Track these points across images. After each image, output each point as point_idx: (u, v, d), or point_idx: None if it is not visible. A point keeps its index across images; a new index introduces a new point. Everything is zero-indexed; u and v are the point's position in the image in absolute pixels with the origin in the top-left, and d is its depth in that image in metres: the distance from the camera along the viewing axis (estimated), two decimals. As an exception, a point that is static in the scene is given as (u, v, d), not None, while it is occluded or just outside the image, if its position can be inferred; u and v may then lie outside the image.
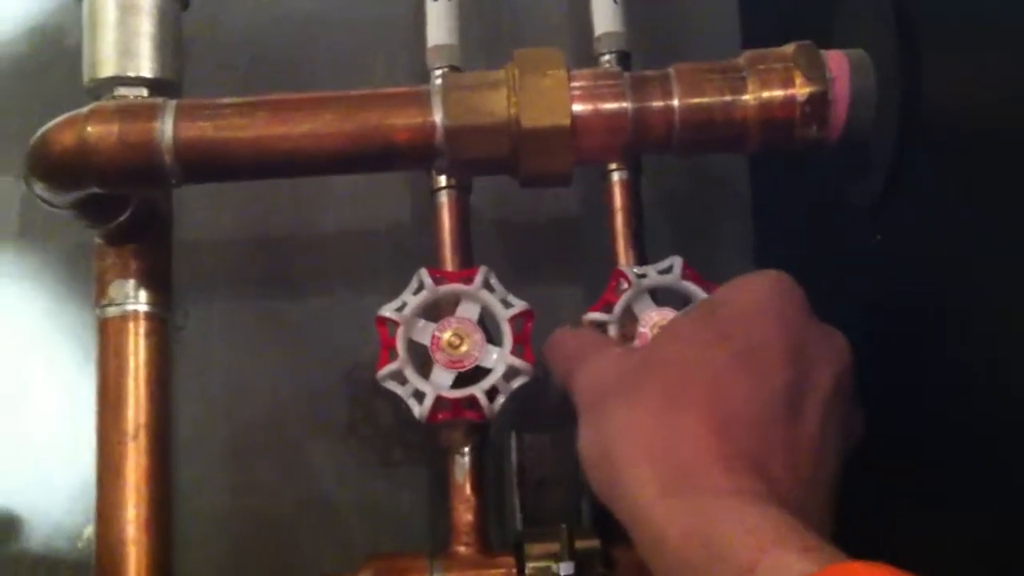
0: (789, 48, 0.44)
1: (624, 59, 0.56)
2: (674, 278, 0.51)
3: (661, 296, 0.52)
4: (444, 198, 0.55)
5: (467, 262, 0.54)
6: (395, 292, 0.51)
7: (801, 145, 0.45)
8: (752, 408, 0.38)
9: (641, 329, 0.50)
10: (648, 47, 0.59)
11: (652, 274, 0.51)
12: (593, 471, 0.40)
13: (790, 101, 0.44)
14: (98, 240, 0.50)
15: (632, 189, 0.56)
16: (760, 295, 0.41)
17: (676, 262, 0.51)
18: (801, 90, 0.43)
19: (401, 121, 0.43)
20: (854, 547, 0.32)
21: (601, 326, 0.50)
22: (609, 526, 0.50)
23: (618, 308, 0.51)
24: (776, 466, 0.37)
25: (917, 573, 0.29)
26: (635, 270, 0.52)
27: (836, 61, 0.44)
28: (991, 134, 0.37)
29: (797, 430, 0.38)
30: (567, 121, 0.43)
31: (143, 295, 0.49)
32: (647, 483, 0.37)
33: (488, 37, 0.63)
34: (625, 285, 0.51)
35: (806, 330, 0.40)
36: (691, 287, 0.51)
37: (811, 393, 0.39)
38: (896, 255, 0.44)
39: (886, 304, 0.46)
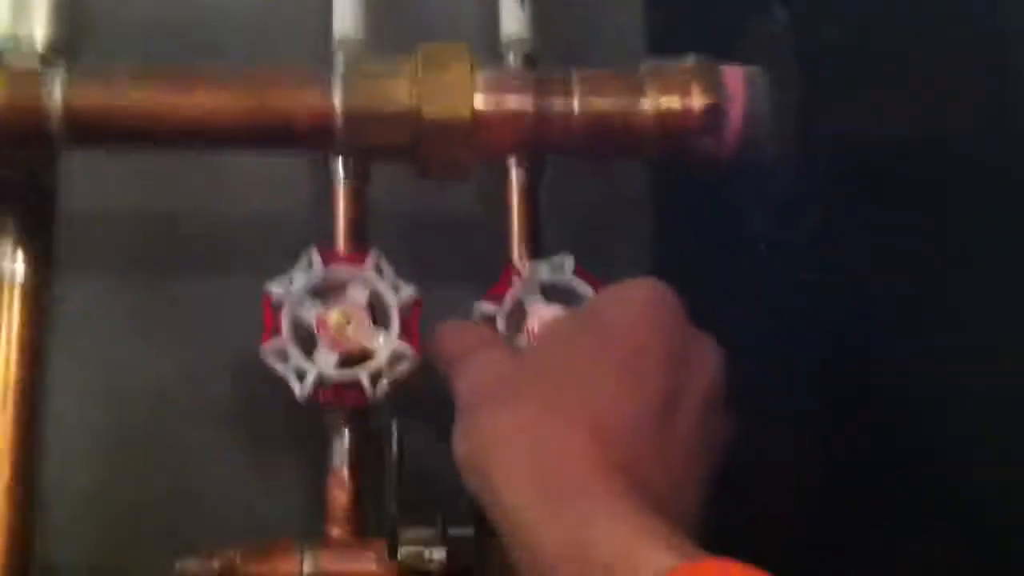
0: (689, 61, 0.45)
1: (530, 63, 0.56)
2: (565, 276, 0.52)
3: (552, 294, 0.53)
4: (341, 183, 0.54)
5: (360, 248, 0.54)
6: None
7: (698, 156, 0.46)
8: (628, 416, 0.39)
9: (530, 321, 0.51)
10: (555, 53, 0.59)
11: (544, 270, 0.52)
12: (468, 476, 0.41)
13: (687, 111, 0.45)
14: (-23, 197, 0.48)
15: (531, 188, 0.56)
16: (639, 304, 0.42)
17: (568, 260, 0.52)
18: (697, 101, 0.45)
19: (300, 101, 0.43)
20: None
21: (490, 318, 0.51)
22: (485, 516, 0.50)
23: (508, 301, 0.51)
24: (647, 471, 0.38)
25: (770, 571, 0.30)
26: (528, 265, 0.52)
27: (733, 76, 0.45)
28: (887, 164, 0.39)
29: (670, 435, 0.39)
30: (468, 114, 0.43)
31: (20, 259, 0.47)
32: (519, 492, 0.37)
33: (395, 35, 0.63)
34: (517, 279, 0.52)
35: (682, 338, 0.41)
36: (582, 286, 0.51)
37: (685, 399, 0.40)
38: (794, 266, 0.46)
39: (782, 311, 0.47)
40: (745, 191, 0.48)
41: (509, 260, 0.55)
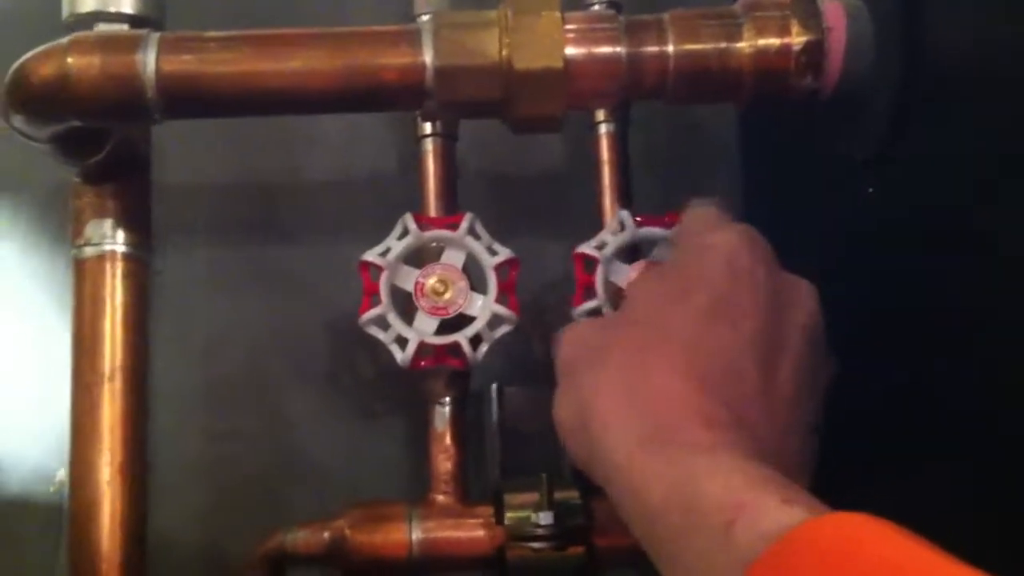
0: (786, -5, 0.44)
1: (615, 7, 0.55)
2: (629, 233, 0.50)
3: (643, 248, 0.51)
4: (430, 145, 0.54)
5: (452, 210, 0.53)
6: (379, 240, 0.50)
7: (796, 95, 0.44)
8: (724, 359, 0.38)
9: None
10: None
11: (609, 240, 0.50)
12: (570, 437, 0.40)
13: (786, 50, 0.43)
14: (75, 179, 0.48)
15: (620, 141, 0.56)
16: (727, 250, 0.41)
17: (625, 216, 0.50)
18: (797, 39, 0.43)
19: (390, 60, 0.42)
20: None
21: (596, 312, 0.49)
22: (588, 478, 0.50)
23: (599, 288, 0.49)
24: (751, 417, 0.37)
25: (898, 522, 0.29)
26: (592, 244, 0.50)
27: (833, 10, 0.43)
28: (994, 84, 0.37)
29: (770, 381, 0.38)
30: (560, 64, 0.42)
31: (121, 235, 0.47)
32: (623, 441, 0.37)
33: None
34: (593, 263, 0.50)
35: (772, 281, 0.40)
36: (654, 231, 0.50)
37: (782, 344, 0.39)
38: (891, 210, 0.44)
39: (877, 261, 0.46)
40: (843, 126, 0.47)
41: (601, 217, 0.54)
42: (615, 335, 0.41)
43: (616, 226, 0.50)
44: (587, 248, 0.49)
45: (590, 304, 0.48)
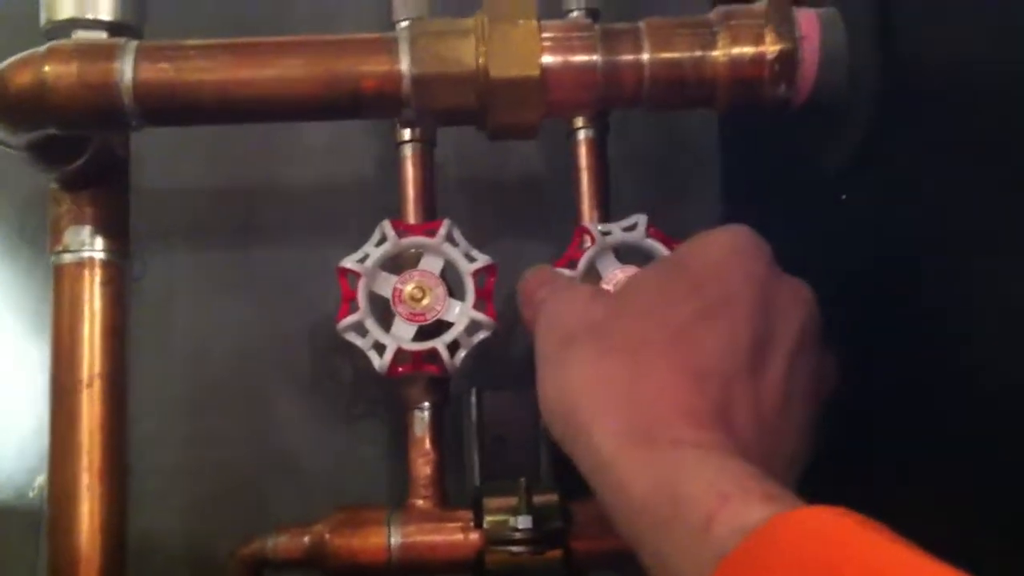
0: (760, 5, 0.44)
1: (593, 16, 0.56)
2: (639, 236, 0.51)
3: (625, 255, 0.52)
4: (408, 151, 0.54)
5: (431, 216, 0.53)
6: (360, 245, 0.50)
7: (770, 103, 0.45)
8: (718, 361, 0.38)
9: (604, 287, 0.50)
10: (618, 4, 0.58)
11: (616, 231, 0.51)
12: (554, 421, 0.40)
13: (760, 59, 0.43)
14: (53, 186, 0.48)
15: (598, 147, 0.56)
16: (726, 249, 0.41)
17: (641, 220, 0.51)
18: (771, 48, 0.43)
19: (368, 68, 0.42)
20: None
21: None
22: (567, 482, 0.50)
23: (582, 264, 0.50)
24: (741, 418, 0.37)
25: (874, 518, 0.29)
26: (599, 227, 0.52)
27: (807, 19, 0.44)
28: (968, 91, 0.37)
29: (762, 381, 0.38)
30: (536, 72, 0.43)
31: (99, 242, 0.47)
32: (610, 435, 0.37)
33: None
34: (589, 242, 0.51)
35: (771, 282, 0.40)
36: (655, 245, 0.51)
37: (777, 345, 0.39)
38: (866, 217, 0.45)
39: (854, 267, 0.46)
40: (818, 134, 0.47)
41: (580, 222, 0.54)
42: (614, 322, 0.40)
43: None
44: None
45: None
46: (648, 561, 0.35)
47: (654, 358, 0.38)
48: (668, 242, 0.51)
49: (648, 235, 0.51)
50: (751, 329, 0.39)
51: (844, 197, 0.46)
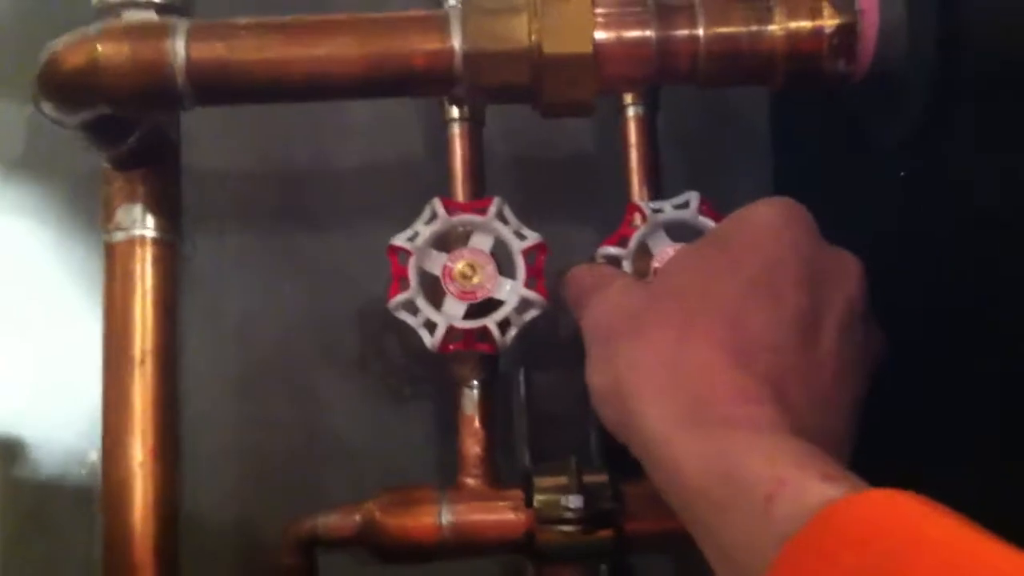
0: (818, -22, 0.43)
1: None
2: (691, 213, 0.50)
3: (676, 233, 0.52)
4: (457, 129, 0.54)
5: (479, 194, 0.53)
6: (407, 224, 0.50)
7: (828, 79, 0.44)
8: (766, 335, 0.37)
9: (655, 265, 0.50)
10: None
11: (668, 209, 0.51)
12: (604, 407, 0.40)
13: (817, 33, 0.43)
14: (105, 165, 0.48)
15: (648, 124, 0.55)
16: (770, 222, 0.40)
17: (693, 197, 0.51)
18: (829, 21, 0.43)
19: (419, 46, 0.42)
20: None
21: (615, 261, 0.50)
22: (618, 460, 0.50)
23: (632, 243, 0.50)
24: (792, 392, 0.36)
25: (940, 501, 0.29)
26: (651, 205, 0.51)
27: (866, -8, 0.43)
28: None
29: (813, 355, 0.38)
30: (590, 49, 0.42)
31: (151, 220, 0.48)
32: (661, 417, 0.36)
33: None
34: (640, 220, 0.51)
35: (818, 255, 0.40)
36: (708, 222, 0.50)
37: (826, 317, 0.38)
38: (924, 193, 0.44)
39: (908, 245, 0.45)
40: (875, 109, 0.46)
41: (630, 199, 0.54)
42: (654, 306, 0.40)
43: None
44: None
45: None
46: (706, 544, 0.34)
47: (697, 337, 0.37)
48: (721, 219, 0.51)
49: (701, 212, 0.50)
50: (797, 302, 0.38)
51: (903, 174, 0.45)
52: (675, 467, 0.35)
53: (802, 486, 0.31)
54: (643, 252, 0.50)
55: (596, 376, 0.40)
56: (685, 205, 0.51)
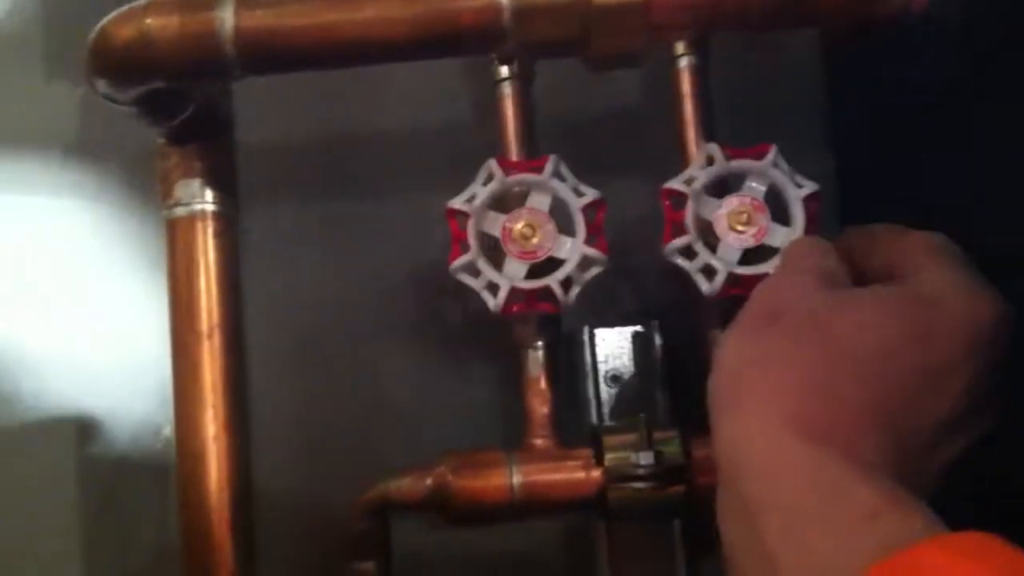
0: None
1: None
2: (720, 167, 0.49)
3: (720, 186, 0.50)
4: (507, 88, 0.53)
5: (533, 153, 0.52)
6: (456, 189, 0.49)
7: (883, 17, 0.43)
8: (913, 421, 0.36)
9: (719, 212, 0.48)
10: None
11: (698, 174, 0.48)
12: (719, 384, 0.39)
13: (875, -35, 0.42)
14: (160, 140, 0.49)
15: (701, 74, 0.54)
16: (977, 319, 0.38)
17: (713, 149, 0.49)
18: (887, -46, 0.41)
19: (466, 3, 0.42)
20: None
21: (680, 196, 0.48)
22: (686, 418, 0.49)
23: (689, 224, 0.48)
24: (905, 460, 0.36)
25: None
26: (681, 179, 0.48)
27: (925, -80, 0.42)
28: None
29: (943, 451, 0.37)
30: (640, -5, 0.41)
31: (209, 194, 0.48)
32: (772, 419, 0.36)
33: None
34: (705, 163, 0.49)
35: (995, 363, 0.38)
36: (745, 164, 0.48)
37: (968, 421, 0.38)
38: (1001, 142, 0.42)
39: (978, 204, 0.44)
40: (936, 46, 0.45)
41: (684, 151, 0.53)
42: (824, 322, 0.39)
43: (704, 160, 0.49)
44: (675, 184, 0.48)
45: (681, 241, 0.47)
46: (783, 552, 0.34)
47: (849, 372, 0.37)
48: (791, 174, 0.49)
49: (733, 157, 0.49)
50: (954, 406, 0.37)
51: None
52: (774, 470, 0.35)
53: (910, 515, 0.32)
54: (701, 223, 0.49)
55: (730, 347, 0.40)
56: (709, 161, 0.49)
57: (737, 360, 0.39)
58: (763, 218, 0.47)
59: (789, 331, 0.39)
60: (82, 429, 0.59)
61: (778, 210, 0.48)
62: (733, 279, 0.46)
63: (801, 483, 0.34)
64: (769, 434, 0.35)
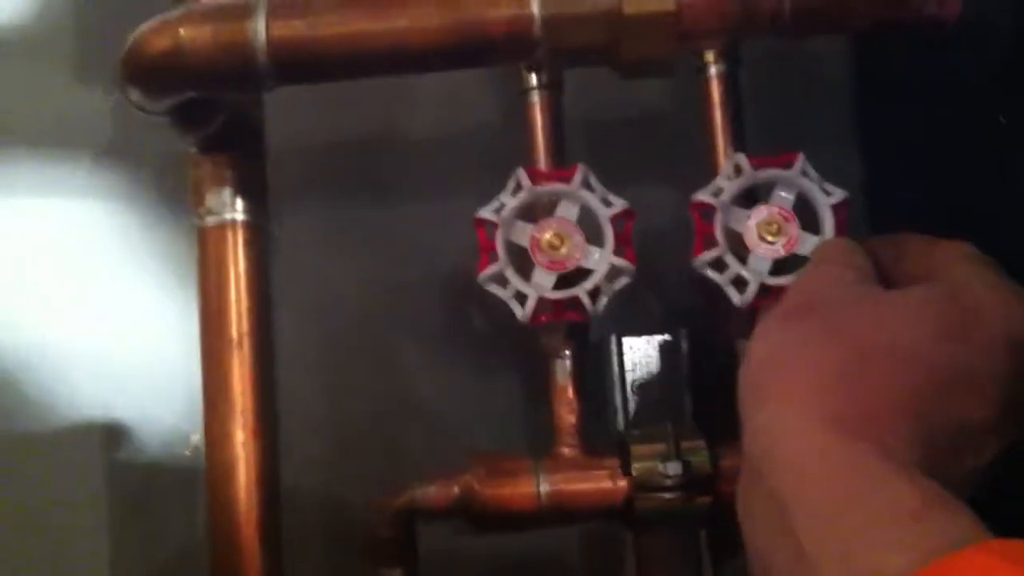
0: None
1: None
2: (748, 177, 0.48)
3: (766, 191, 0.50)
4: (535, 97, 0.53)
5: (561, 163, 0.52)
6: (484, 196, 0.49)
7: (915, 23, 0.43)
8: (945, 423, 0.36)
9: (749, 223, 0.48)
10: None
11: (725, 185, 0.48)
12: (750, 377, 0.39)
13: (909, -27, 0.41)
14: (192, 149, 0.49)
15: (731, 81, 0.54)
16: (1015, 324, 0.38)
17: (740, 159, 0.49)
18: (920, -38, 0.41)
19: (498, 12, 0.42)
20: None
21: (708, 208, 0.48)
22: (711, 428, 0.49)
23: (719, 236, 0.48)
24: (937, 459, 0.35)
25: None
26: (708, 192, 0.48)
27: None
28: None
29: (973, 457, 0.37)
30: (672, 6, 0.41)
31: (240, 203, 0.48)
32: (818, 411, 0.35)
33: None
34: (734, 173, 0.49)
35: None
36: (773, 173, 0.48)
37: (999, 428, 0.37)
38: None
39: (1010, 193, 0.44)
40: (968, 55, 0.45)
41: (714, 159, 0.52)
42: (859, 319, 0.39)
43: (732, 171, 0.49)
44: (703, 196, 0.48)
45: (711, 254, 0.47)
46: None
47: (884, 370, 0.36)
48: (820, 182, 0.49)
49: (760, 166, 0.48)
50: (991, 413, 0.37)
51: (1003, 120, 0.43)
52: (814, 469, 0.34)
53: (955, 517, 0.31)
54: (731, 235, 0.49)
55: (763, 341, 0.40)
56: (737, 172, 0.49)
57: (771, 352, 0.39)
58: (793, 228, 0.47)
59: (824, 325, 0.38)
60: (111, 435, 0.59)
61: (807, 218, 0.48)
62: (764, 289, 0.46)
63: (839, 479, 0.33)
64: (804, 426, 0.35)
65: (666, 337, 0.53)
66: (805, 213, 0.48)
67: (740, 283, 0.47)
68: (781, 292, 0.45)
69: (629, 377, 0.53)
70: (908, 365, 0.36)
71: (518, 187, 0.49)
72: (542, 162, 0.52)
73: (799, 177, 0.48)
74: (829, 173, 0.48)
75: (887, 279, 0.42)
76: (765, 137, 0.55)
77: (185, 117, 0.46)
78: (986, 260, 0.41)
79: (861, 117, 0.60)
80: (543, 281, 0.48)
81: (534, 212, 0.50)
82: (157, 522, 0.59)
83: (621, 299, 0.49)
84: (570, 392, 0.50)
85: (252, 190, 0.48)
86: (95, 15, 0.62)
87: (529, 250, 0.48)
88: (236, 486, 0.46)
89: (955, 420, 0.36)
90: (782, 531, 0.34)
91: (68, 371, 0.60)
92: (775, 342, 0.39)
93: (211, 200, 0.48)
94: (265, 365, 0.48)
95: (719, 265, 0.47)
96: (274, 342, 0.49)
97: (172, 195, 0.58)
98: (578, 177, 0.49)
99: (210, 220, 0.48)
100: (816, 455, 0.34)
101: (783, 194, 0.48)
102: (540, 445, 0.51)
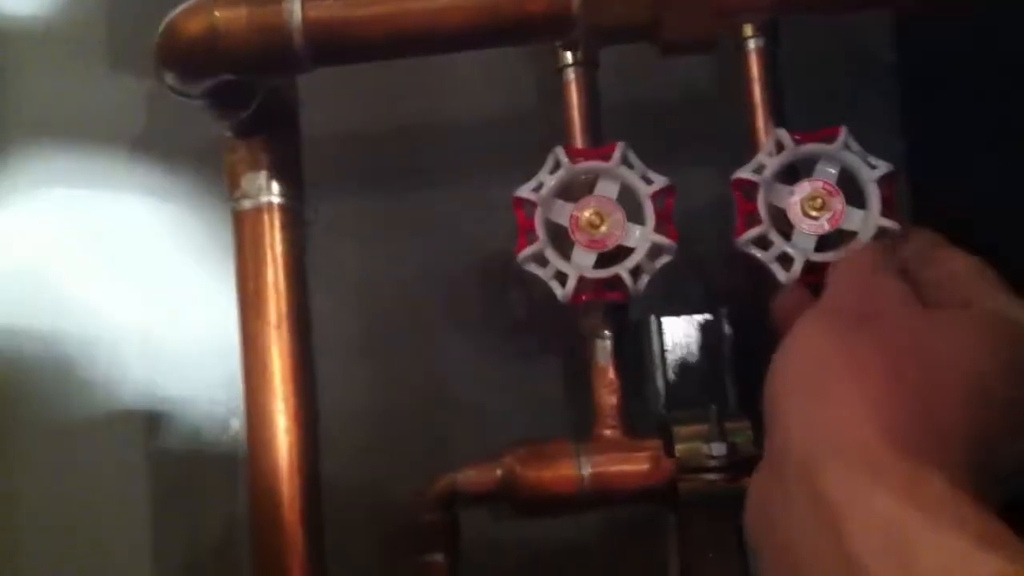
0: None
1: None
2: (790, 153, 0.47)
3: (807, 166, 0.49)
4: (572, 75, 0.52)
5: (599, 141, 0.52)
6: (522, 178, 0.49)
7: None
8: (993, 453, 0.35)
9: (792, 199, 0.47)
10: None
11: (767, 162, 0.47)
12: (784, 382, 0.38)
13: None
14: (227, 133, 0.49)
15: (770, 57, 0.53)
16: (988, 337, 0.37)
17: (782, 135, 0.48)
18: (968, -70, 0.40)
19: (536, -11, 0.41)
20: None
21: (750, 185, 0.47)
22: (756, 408, 0.49)
23: (763, 213, 0.47)
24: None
25: None
26: (750, 168, 0.48)
27: None
28: None
29: (1009, 489, 0.36)
30: (712, -21, 0.41)
31: (276, 187, 0.48)
32: (878, 419, 0.34)
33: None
34: (775, 149, 0.48)
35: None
36: (815, 148, 0.47)
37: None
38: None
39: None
40: (1017, 29, 0.43)
41: (754, 136, 0.52)
42: (901, 327, 0.38)
43: (773, 147, 0.48)
44: (745, 173, 0.47)
45: (755, 231, 0.46)
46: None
47: (946, 397, 0.35)
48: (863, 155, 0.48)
49: (802, 142, 0.48)
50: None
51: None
52: (863, 483, 0.33)
53: (1017, 549, 0.30)
54: (774, 211, 0.48)
55: (799, 341, 0.39)
56: (779, 148, 0.48)
57: (823, 348, 0.37)
58: (837, 202, 0.46)
59: (884, 339, 0.37)
60: (153, 420, 0.60)
61: (853, 193, 0.47)
62: (810, 266, 0.46)
63: (903, 494, 0.32)
64: (862, 433, 0.34)
65: (707, 317, 0.52)
66: (852, 189, 0.47)
67: (786, 260, 0.46)
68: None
69: (669, 357, 0.52)
70: (969, 396, 0.35)
71: (556, 165, 0.48)
72: (579, 140, 0.52)
73: (842, 151, 0.47)
74: (871, 152, 0.47)
75: (914, 284, 0.41)
76: (806, 117, 0.54)
77: (220, 100, 0.45)
78: (998, 278, 0.41)
79: (904, 94, 0.59)
80: (583, 260, 0.47)
81: (573, 191, 0.49)
82: (198, 505, 0.59)
83: (661, 278, 0.49)
84: (611, 373, 0.50)
85: (287, 173, 0.48)
86: (127, 5, 0.62)
87: (569, 229, 0.48)
88: (278, 472, 0.46)
89: (1001, 452, 0.36)
90: (826, 533, 0.33)
91: (111, 356, 0.60)
92: (829, 339, 0.38)
93: (246, 184, 0.48)
94: (304, 346, 0.47)
95: (763, 243, 0.46)
96: (311, 324, 0.48)
97: (209, 179, 0.58)
98: (617, 154, 0.48)
99: (246, 203, 0.48)
100: (877, 466, 0.33)
101: (827, 168, 0.47)
102: (581, 427, 0.51)
